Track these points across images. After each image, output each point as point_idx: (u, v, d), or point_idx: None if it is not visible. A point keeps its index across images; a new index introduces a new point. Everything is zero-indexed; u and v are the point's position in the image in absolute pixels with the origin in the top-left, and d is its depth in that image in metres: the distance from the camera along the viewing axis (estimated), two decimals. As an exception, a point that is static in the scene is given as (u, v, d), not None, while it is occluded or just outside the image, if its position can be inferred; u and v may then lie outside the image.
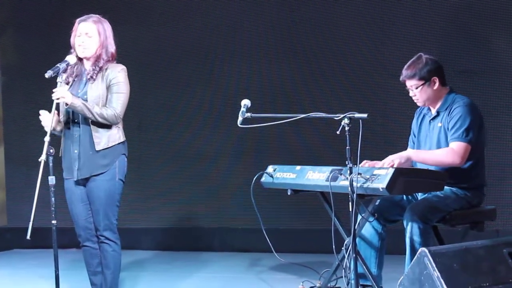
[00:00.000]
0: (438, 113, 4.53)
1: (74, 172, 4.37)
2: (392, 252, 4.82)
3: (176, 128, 7.36)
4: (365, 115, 4.05)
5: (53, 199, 4.17)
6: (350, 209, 4.03)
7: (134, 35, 7.25)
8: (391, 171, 3.95)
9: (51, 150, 4.11)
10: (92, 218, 4.43)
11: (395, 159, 4.29)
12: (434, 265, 3.72)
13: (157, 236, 7.45)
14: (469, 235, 4.75)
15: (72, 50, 4.41)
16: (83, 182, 4.40)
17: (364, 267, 4.32)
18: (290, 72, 7.02)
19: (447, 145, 4.43)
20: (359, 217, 4.39)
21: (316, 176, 4.35)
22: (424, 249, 3.82)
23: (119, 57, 4.48)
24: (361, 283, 4.34)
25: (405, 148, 4.74)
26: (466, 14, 6.44)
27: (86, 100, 4.29)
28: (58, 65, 4.29)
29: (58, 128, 4.42)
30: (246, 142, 7.07)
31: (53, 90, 4.22)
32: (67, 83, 4.37)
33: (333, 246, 4.22)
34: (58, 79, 4.26)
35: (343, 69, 6.84)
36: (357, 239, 4.37)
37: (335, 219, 4.37)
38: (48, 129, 4.19)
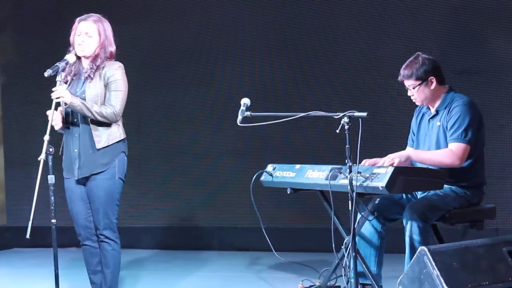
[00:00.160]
0: (437, 112, 4.53)
1: (75, 171, 4.37)
2: (392, 250, 4.82)
3: (176, 127, 7.36)
4: (364, 114, 4.05)
5: (52, 198, 4.18)
6: (350, 208, 4.03)
7: (133, 34, 7.24)
8: (391, 169, 3.95)
9: (51, 149, 4.11)
10: (92, 217, 4.43)
11: (395, 158, 4.29)
12: (433, 264, 3.73)
13: (157, 235, 7.45)
14: (469, 233, 4.76)
15: (71, 48, 4.41)
16: (83, 181, 4.40)
17: (364, 265, 4.32)
18: (289, 71, 7.02)
19: (446, 144, 4.43)
20: (359, 215, 4.39)
21: (315, 175, 4.35)
22: (424, 247, 3.82)
23: (117, 56, 4.47)
24: (360, 281, 4.34)
25: (404, 147, 4.74)
26: (466, 13, 6.44)
27: (84, 99, 4.29)
28: (57, 64, 4.29)
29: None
30: (246, 141, 7.07)
31: (52, 90, 4.22)
32: (66, 82, 4.37)
33: (333, 245, 4.22)
34: (58, 78, 4.27)
35: (342, 68, 6.84)
36: (357, 238, 4.37)
37: (335, 218, 4.37)
38: (57, 127, 4.20)
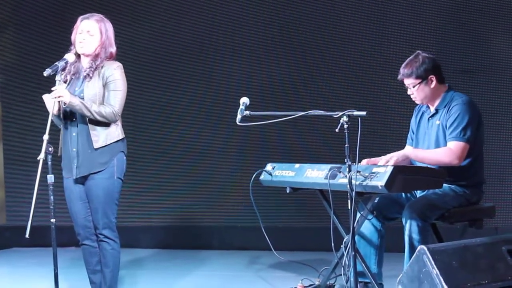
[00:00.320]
0: (436, 110, 4.53)
1: (73, 170, 4.37)
2: (391, 249, 4.81)
3: (174, 126, 7.35)
4: (363, 113, 4.05)
5: (52, 197, 4.18)
6: (349, 207, 4.03)
7: (131, 32, 7.23)
8: (390, 169, 3.95)
9: (50, 149, 4.11)
10: (91, 217, 4.43)
11: (393, 157, 4.30)
12: (433, 263, 3.73)
13: (156, 234, 7.45)
14: (468, 232, 4.76)
15: (72, 47, 4.41)
16: (82, 180, 4.40)
17: (363, 265, 4.32)
18: (289, 70, 7.02)
19: (445, 143, 4.43)
20: (358, 215, 4.39)
21: (315, 174, 4.35)
22: (423, 246, 3.82)
23: (116, 56, 4.47)
24: (360, 280, 4.34)
25: (404, 146, 4.74)
26: (465, 12, 6.44)
27: (83, 98, 4.28)
28: (56, 63, 4.29)
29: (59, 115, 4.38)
30: (245, 140, 7.07)
31: (52, 89, 4.22)
32: (65, 81, 4.37)
33: (332, 244, 4.22)
34: (57, 78, 4.27)
35: (342, 67, 6.84)
36: (356, 237, 4.37)
37: (334, 217, 4.37)
38: (51, 111, 4.17)
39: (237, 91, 6.71)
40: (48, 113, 4.21)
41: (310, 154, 6.74)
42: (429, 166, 4.38)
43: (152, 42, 7.40)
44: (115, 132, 4.38)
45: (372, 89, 6.71)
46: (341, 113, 4.07)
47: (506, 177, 6.28)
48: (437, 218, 4.39)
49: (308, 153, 6.78)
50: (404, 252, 4.31)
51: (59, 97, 4.20)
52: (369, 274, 4.33)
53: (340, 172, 4.15)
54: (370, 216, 4.37)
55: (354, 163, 4.02)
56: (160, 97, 7.39)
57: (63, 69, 4.33)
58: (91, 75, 4.33)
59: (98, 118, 4.28)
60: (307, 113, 4.37)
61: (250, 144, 7.07)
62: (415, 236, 4.24)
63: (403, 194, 4.57)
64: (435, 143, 4.50)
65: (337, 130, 4.05)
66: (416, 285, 3.82)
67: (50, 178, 4.15)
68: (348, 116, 4.06)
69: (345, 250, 4.23)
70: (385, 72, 6.54)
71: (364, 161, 4.34)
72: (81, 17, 4.43)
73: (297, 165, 4.55)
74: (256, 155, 6.96)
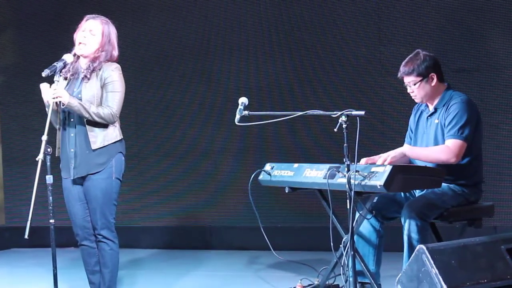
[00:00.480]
0: (435, 109, 4.53)
1: (71, 171, 4.37)
2: (390, 249, 4.81)
3: (173, 126, 7.35)
4: (362, 113, 4.04)
5: (50, 198, 4.17)
6: (348, 207, 4.03)
7: (131, 32, 7.24)
8: (389, 168, 3.95)
9: (49, 149, 4.11)
10: (90, 217, 4.43)
11: (390, 155, 4.30)
12: (432, 262, 3.73)
13: (155, 234, 7.45)
14: (467, 231, 4.76)
15: (73, 48, 4.41)
16: (80, 181, 4.40)
17: (362, 264, 4.32)
18: (287, 70, 7.01)
19: (444, 141, 4.43)
20: (357, 214, 4.39)
21: (314, 174, 4.35)
22: (422, 246, 3.82)
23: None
24: (359, 280, 4.34)
25: (402, 145, 4.74)
26: (464, 11, 6.43)
27: (81, 99, 4.28)
28: (55, 64, 4.29)
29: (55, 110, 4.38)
30: (244, 140, 7.07)
31: (51, 89, 4.21)
32: (65, 78, 4.37)
33: (331, 244, 4.21)
34: (55, 78, 4.26)
35: (340, 67, 6.83)
36: (355, 237, 4.37)
37: (333, 216, 4.37)
38: (50, 107, 4.17)
39: (236, 91, 6.72)
40: (46, 114, 4.21)
41: (309, 154, 6.74)
42: (427, 165, 4.38)
43: (152, 42, 7.40)
44: (113, 133, 4.37)
45: (371, 89, 6.71)
46: (339, 113, 4.07)
47: (505, 176, 6.28)
48: (436, 218, 4.39)
49: (307, 153, 6.78)
50: (403, 251, 4.31)
51: (58, 97, 4.20)
52: (368, 274, 4.33)
53: (339, 172, 4.15)
54: (369, 216, 4.37)
55: (353, 163, 4.02)
56: (159, 97, 7.39)
57: (61, 70, 4.32)
58: (88, 76, 4.33)
59: (96, 119, 4.27)
60: (306, 113, 4.36)
61: (249, 144, 7.07)
62: (414, 235, 4.23)
63: (402, 193, 4.57)
64: (434, 142, 4.50)
65: (335, 129, 4.05)
66: (415, 284, 3.82)
67: (49, 178, 4.14)
68: (347, 115, 4.05)
69: (344, 250, 4.23)
70: (385, 72, 6.54)
71: (363, 161, 4.34)
72: (87, 16, 4.43)
73: (296, 165, 4.55)
74: (255, 155, 6.96)
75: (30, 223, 4.00)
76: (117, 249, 4.46)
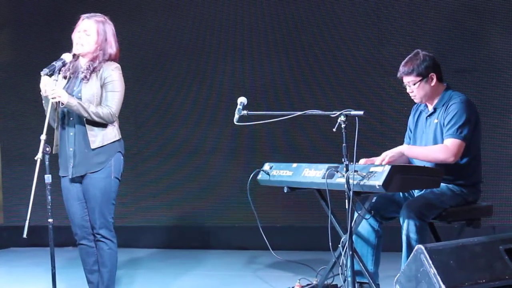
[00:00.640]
0: (435, 109, 4.53)
1: (69, 170, 4.36)
2: (389, 249, 4.82)
3: (173, 125, 7.34)
4: (361, 112, 4.04)
5: (49, 197, 4.17)
6: (347, 207, 4.03)
7: (129, 31, 7.23)
8: (388, 168, 3.95)
9: (47, 149, 4.11)
10: (88, 217, 4.43)
11: (388, 154, 4.30)
12: (430, 262, 3.73)
13: (154, 234, 7.44)
14: (466, 231, 4.75)
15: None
16: (78, 180, 4.39)
17: (361, 264, 4.32)
18: (286, 70, 7.01)
19: (443, 141, 4.43)
20: (356, 214, 4.38)
21: (312, 174, 4.35)
22: (421, 246, 3.82)
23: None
24: (357, 280, 4.34)
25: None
26: (463, 12, 6.43)
27: (80, 99, 4.28)
28: (54, 63, 4.29)
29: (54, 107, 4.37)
30: (243, 140, 7.07)
31: (50, 88, 4.21)
32: (65, 77, 4.37)
33: (330, 244, 4.21)
34: (54, 78, 4.26)
35: (339, 66, 6.83)
36: (354, 237, 4.37)
37: (332, 216, 4.37)
38: (44, 93, 4.16)
39: (235, 91, 6.71)
40: (45, 112, 4.20)
41: (308, 154, 6.74)
42: (426, 165, 4.38)
43: (150, 41, 7.39)
44: (112, 133, 4.37)
45: (370, 89, 6.70)
46: (338, 113, 4.07)
47: (504, 176, 6.28)
48: (434, 218, 4.39)
49: (305, 153, 6.78)
50: (401, 251, 4.31)
51: (56, 97, 4.19)
52: (366, 273, 4.33)
53: (337, 172, 4.15)
54: (367, 216, 4.37)
55: (351, 163, 4.02)
56: (157, 97, 7.38)
57: (60, 69, 4.32)
58: (88, 76, 4.32)
59: (96, 118, 4.27)
60: (305, 113, 4.36)
61: (248, 144, 7.06)
62: (413, 235, 4.23)
63: (401, 193, 4.57)
64: (433, 142, 4.50)
65: (334, 129, 4.05)
66: (413, 284, 3.82)
67: (48, 178, 4.14)
68: (346, 115, 4.05)
69: (343, 250, 4.23)
70: (384, 72, 6.54)
71: (362, 161, 4.34)
72: (83, 16, 4.42)
73: (294, 165, 4.55)
74: (254, 154, 6.96)
75: (29, 222, 4.00)
76: (115, 248, 4.46)
